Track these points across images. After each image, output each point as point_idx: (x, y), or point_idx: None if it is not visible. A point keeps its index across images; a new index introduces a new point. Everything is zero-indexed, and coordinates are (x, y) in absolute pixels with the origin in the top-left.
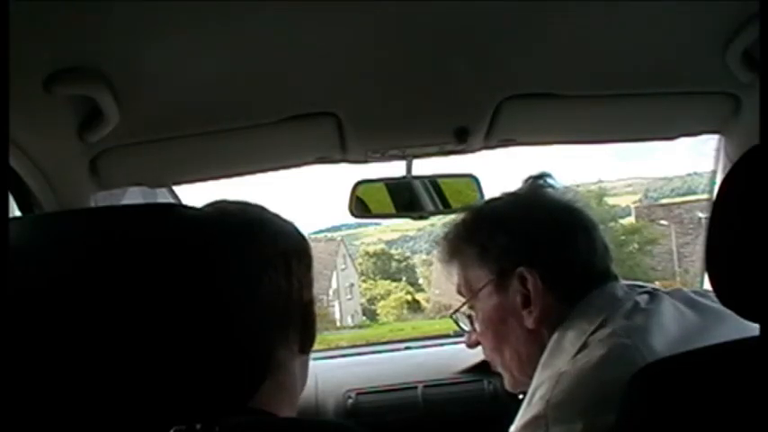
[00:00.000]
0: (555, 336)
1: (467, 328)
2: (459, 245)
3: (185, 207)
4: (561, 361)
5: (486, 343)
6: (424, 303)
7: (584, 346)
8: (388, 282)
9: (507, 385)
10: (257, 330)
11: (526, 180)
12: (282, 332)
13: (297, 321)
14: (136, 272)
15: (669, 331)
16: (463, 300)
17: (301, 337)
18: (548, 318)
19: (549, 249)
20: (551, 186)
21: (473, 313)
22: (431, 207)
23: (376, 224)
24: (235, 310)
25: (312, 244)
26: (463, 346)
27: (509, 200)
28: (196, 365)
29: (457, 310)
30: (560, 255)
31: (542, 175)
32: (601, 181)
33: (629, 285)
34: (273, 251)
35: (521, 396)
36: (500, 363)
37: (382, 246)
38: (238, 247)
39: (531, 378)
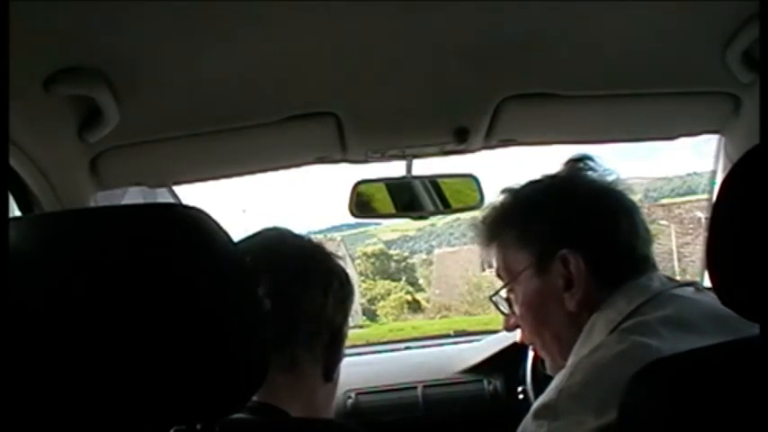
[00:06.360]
0: (588, 323)
1: (506, 311)
2: (499, 228)
3: (185, 207)
4: (587, 350)
5: (526, 326)
6: (424, 303)
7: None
8: (387, 282)
9: (548, 369)
10: (267, 328)
11: (566, 162)
12: (307, 337)
13: (325, 336)
14: (135, 271)
15: (700, 326)
16: (502, 282)
17: (326, 354)
18: (588, 301)
19: (592, 233)
20: (592, 169)
21: (512, 296)
22: (431, 207)
23: (376, 224)
24: (237, 310)
25: None
26: (463, 345)
27: (549, 182)
28: (197, 363)
29: (496, 293)
30: (603, 238)
31: (583, 158)
32: None
33: (668, 278)
34: (317, 266)
35: (521, 396)
36: (540, 345)
37: (381, 246)
38: (277, 256)
39: None
